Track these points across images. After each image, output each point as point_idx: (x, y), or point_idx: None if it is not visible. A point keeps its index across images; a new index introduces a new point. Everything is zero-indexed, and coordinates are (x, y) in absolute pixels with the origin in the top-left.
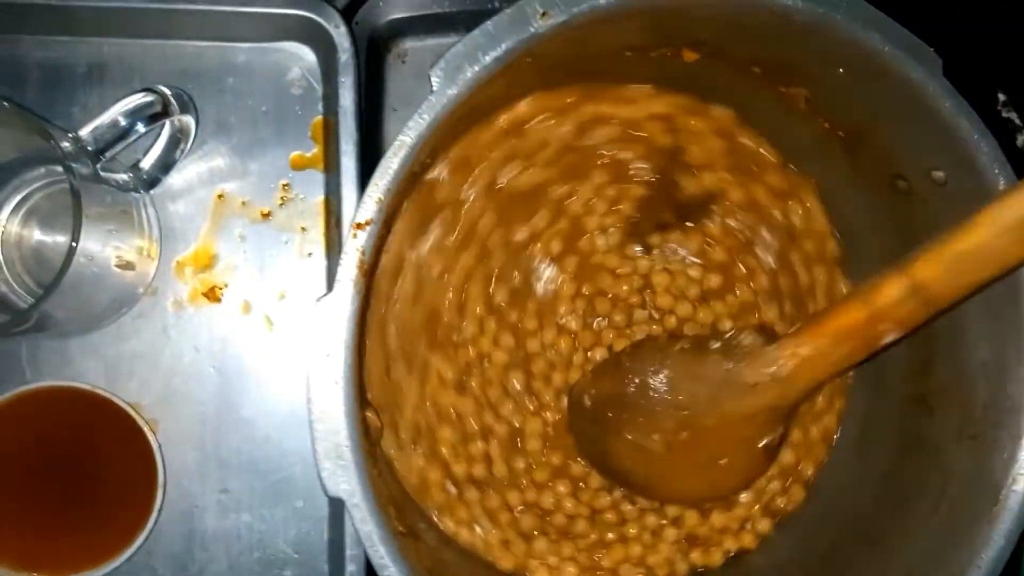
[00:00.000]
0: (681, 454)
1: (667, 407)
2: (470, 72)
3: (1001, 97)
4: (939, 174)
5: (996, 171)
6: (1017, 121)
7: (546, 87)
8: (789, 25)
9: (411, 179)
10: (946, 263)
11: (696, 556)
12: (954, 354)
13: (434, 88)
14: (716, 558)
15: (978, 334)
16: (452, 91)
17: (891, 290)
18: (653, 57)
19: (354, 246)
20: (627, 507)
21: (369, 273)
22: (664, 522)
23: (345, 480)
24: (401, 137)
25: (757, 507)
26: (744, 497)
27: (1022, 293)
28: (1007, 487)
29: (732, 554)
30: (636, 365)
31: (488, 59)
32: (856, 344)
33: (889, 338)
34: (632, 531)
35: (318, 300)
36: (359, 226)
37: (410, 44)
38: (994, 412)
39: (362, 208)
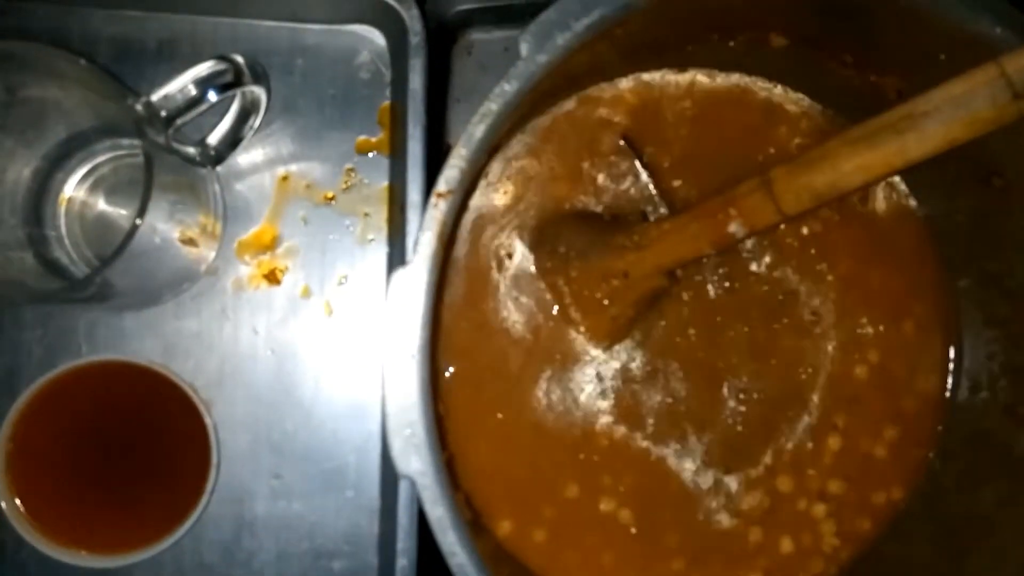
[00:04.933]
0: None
1: (564, 246)
2: (560, 39)
3: None
4: None
5: None
6: None
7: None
8: (889, 6)
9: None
10: (795, 189)
11: None
12: None
13: (523, 55)
14: None
15: None
16: (542, 58)
17: (750, 194)
18: (739, 41)
19: (434, 216)
20: None
21: (448, 245)
22: None
23: (417, 459)
24: (487, 104)
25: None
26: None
27: None
28: None
29: None
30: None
31: (580, 26)
32: (710, 230)
33: (739, 232)
34: None
35: (395, 272)
36: (440, 195)
37: (476, 36)
38: None
39: (444, 177)
